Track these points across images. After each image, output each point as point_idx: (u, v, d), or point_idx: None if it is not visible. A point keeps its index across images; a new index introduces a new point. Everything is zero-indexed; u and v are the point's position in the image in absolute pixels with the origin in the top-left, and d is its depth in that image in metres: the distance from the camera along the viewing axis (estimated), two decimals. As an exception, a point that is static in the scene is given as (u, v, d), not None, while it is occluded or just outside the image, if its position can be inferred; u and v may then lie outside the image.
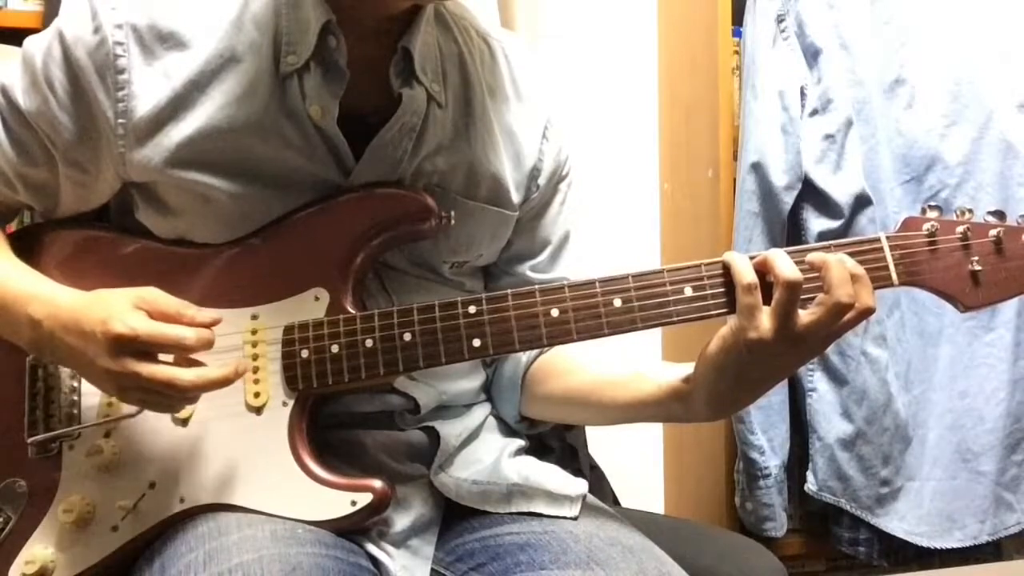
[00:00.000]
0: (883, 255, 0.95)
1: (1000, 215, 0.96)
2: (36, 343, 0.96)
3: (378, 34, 1.01)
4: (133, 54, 0.97)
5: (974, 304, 0.95)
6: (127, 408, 0.97)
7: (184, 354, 0.93)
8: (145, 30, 0.97)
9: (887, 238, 0.96)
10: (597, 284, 0.96)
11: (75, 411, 1.00)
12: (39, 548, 0.96)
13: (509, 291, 0.97)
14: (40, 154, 1.02)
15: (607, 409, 1.07)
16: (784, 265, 0.91)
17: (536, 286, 0.97)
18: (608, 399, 1.06)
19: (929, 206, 0.97)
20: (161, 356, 0.91)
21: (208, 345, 0.93)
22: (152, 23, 0.98)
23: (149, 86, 0.97)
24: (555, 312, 0.96)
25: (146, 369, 0.90)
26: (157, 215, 1.02)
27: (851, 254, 0.94)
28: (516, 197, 1.11)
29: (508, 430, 1.16)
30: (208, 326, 0.93)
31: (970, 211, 0.96)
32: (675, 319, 0.95)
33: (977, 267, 0.95)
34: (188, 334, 0.91)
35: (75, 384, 1.00)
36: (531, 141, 1.12)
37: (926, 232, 0.95)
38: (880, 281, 0.95)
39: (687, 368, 0.99)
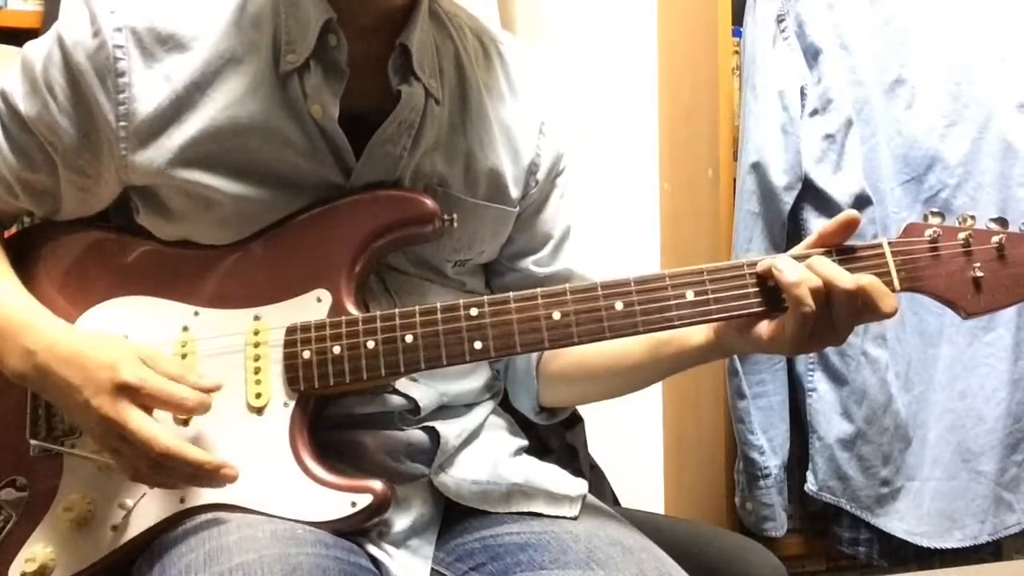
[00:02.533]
0: (885, 260, 0.95)
1: (1002, 222, 0.96)
2: (23, 373, 0.95)
3: (376, 31, 1.01)
4: (133, 57, 0.97)
5: (976, 310, 0.95)
6: None
7: (181, 414, 0.94)
8: (144, 33, 0.98)
9: (889, 244, 0.96)
10: (599, 288, 0.96)
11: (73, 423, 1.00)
12: (39, 546, 0.96)
13: (511, 294, 0.97)
14: (41, 159, 1.02)
15: (626, 376, 1.09)
16: (840, 276, 0.92)
17: (538, 289, 0.97)
18: (626, 366, 1.07)
19: (931, 212, 0.97)
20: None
21: (205, 410, 0.94)
22: (151, 26, 0.98)
23: (150, 88, 0.97)
24: (557, 315, 0.96)
25: (135, 421, 0.89)
26: (159, 219, 1.02)
27: (853, 259, 0.95)
28: (515, 192, 1.11)
29: (509, 430, 1.16)
30: (209, 391, 0.94)
31: (972, 218, 0.96)
32: (676, 323, 0.96)
33: (979, 273, 0.95)
34: (189, 395, 0.92)
35: (76, 385, 1.00)
36: (528, 137, 1.12)
37: (928, 238, 0.95)
38: None
39: (708, 335, 1.01)
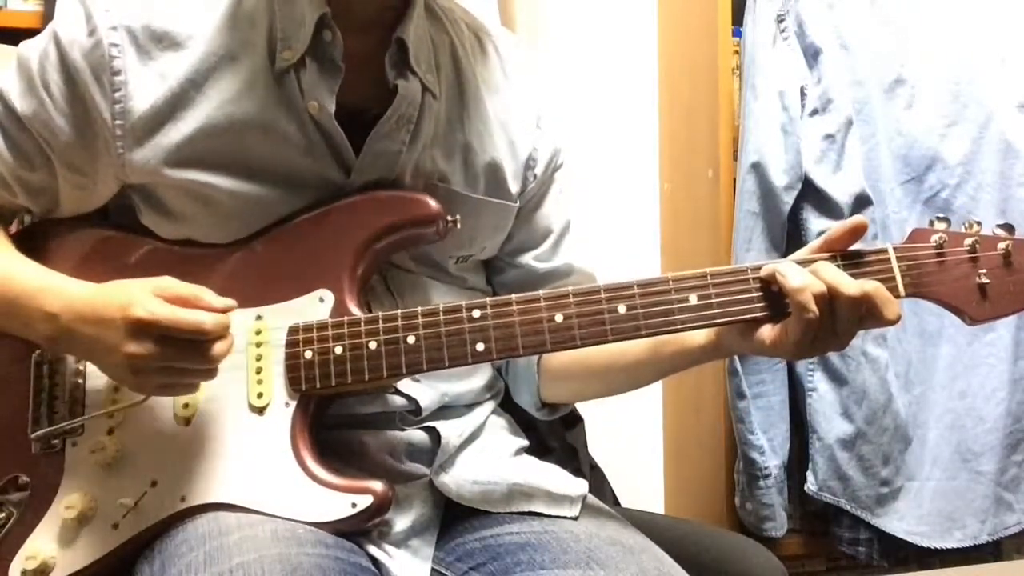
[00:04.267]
0: (890, 266, 0.95)
1: (1009, 228, 0.95)
2: (52, 337, 0.96)
3: (371, 26, 1.02)
4: (128, 55, 0.98)
5: (981, 317, 0.95)
6: (132, 396, 0.97)
7: (201, 337, 0.92)
8: (140, 31, 0.98)
9: (894, 249, 0.95)
10: (602, 291, 0.96)
11: (79, 408, 1.00)
12: (40, 544, 0.96)
13: (513, 296, 0.97)
14: (37, 157, 1.02)
15: (625, 373, 1.09)
16: (845, 282, 0.91)
17: (540, 291, 0.97)
18: (626, 365, 1.08)
19: (937, 218, 0.96)
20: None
21: (225, 330, 0.93)
22: (147, 24, 0.98)
23: (145, 86, 0.98)
24: (559, 318, 0.96)
25: (169, 334, 0.90)
26: (160, 218, 1.02)
27: (857, 264, 0.94)
28: (514, 187, 1.12)
29: (509, 430, 1.16)
30: (223, 311, 0.93)
31: (979, 223, 0.96)
32: (679, 327, 0.96)
33: (985, 280, 0.94)
34: (206, 318, 0.91)
35: (79, 381, 1.00)
36: (525, 131, 1.13)
37: (934, 244, 0.95)
38: None
39: (708, 336, 1.01)
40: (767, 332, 0.95)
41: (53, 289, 0.96)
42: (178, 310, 0.91)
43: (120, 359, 0.91)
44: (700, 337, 1.01)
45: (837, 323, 0.92)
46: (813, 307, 0.90)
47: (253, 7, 1.01)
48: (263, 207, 1.00)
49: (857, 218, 0.96)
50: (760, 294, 0.95)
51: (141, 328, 0.90)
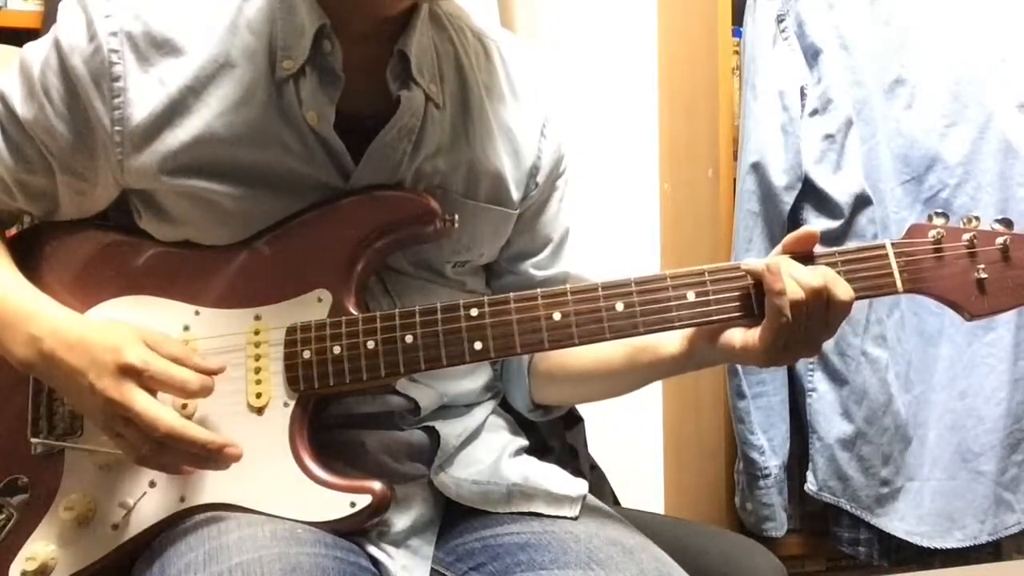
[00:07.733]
0: (888, 262, 0.95)
1: (1007, 223, 0.95)
2: (29, 360, 0.95)
3: (373, 37, 1.01)
4: (128, 61, 0.97)
5: (980, 312, 0.94)
6: None
7: (184, 397, 0.94)
8: (140, 37, 0.97)
9: (892, 244, 0.95)
10: (599, 288, 0.96)
11: (78, 410, 1.00)
12: (40, 545, 0.96)
13: (511, 294, 0.97)
14: (38, 161, 1.02)
15: (605, 381, 1.09)
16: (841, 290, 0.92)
17: (538, 290, 0.97)
18: (605, 372, 1.08)
19: (936, 213, 0.96)
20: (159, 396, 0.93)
21: (208, 392, 0.94)
22: (147, 30, 0.98)
23: (145, 92, 0.97)
24: (557, 315, 0.96)
25: (140, 402, 0.90)
26: (159, 222, 1.02)
27: (855, 261, 0.94)
28: (516, 195, 1.11)
29: (509, 430, 1.16)
30: (212, 374, 0.95)
31: (977, 218, 0.95)
32: (677, 324, 0.95)
33: (983, 275, 0.94)
34: (192, 379, 0.93)
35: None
36: (529, 139, 1.12)
37: (932, 239, 0.95)
38: (885, 288, 0.95)
39: (681, 346, 1.01)
40: (736, 336, 0.95)
41: (44, 315, 0.96)
42: (168, 364, 0.93)
43: (96, 396, 0.91)
44: (672, 347, 1.02)
45: (810, 322, 0.92)
46: (788, 312, 0.90)
47: (255, 16, 1.00)
48: (263, 211, 1.00)
49: (807, 229, 0.96)
50: (759, 291, 0.94)
51: (130, 372, 0.90)
